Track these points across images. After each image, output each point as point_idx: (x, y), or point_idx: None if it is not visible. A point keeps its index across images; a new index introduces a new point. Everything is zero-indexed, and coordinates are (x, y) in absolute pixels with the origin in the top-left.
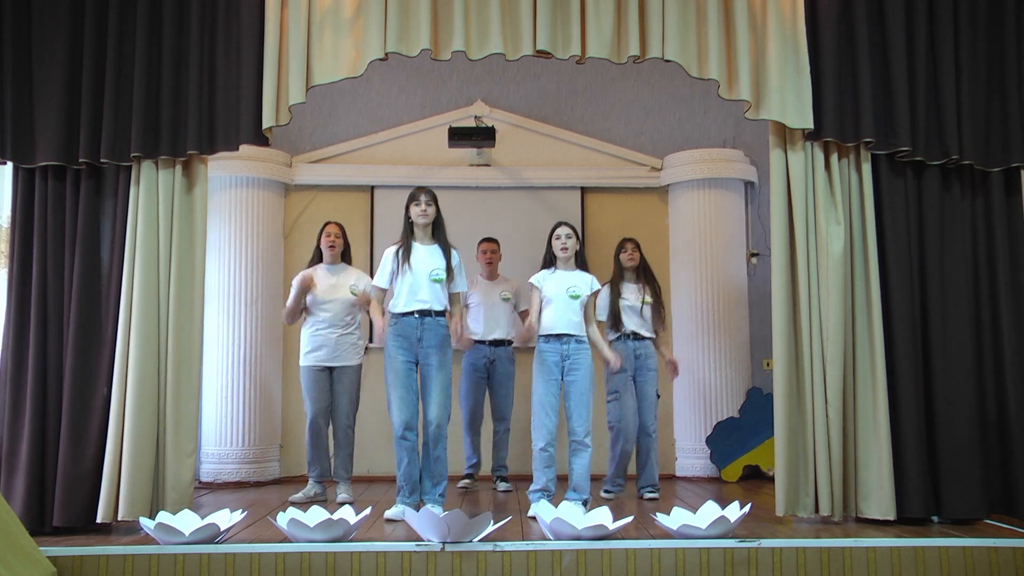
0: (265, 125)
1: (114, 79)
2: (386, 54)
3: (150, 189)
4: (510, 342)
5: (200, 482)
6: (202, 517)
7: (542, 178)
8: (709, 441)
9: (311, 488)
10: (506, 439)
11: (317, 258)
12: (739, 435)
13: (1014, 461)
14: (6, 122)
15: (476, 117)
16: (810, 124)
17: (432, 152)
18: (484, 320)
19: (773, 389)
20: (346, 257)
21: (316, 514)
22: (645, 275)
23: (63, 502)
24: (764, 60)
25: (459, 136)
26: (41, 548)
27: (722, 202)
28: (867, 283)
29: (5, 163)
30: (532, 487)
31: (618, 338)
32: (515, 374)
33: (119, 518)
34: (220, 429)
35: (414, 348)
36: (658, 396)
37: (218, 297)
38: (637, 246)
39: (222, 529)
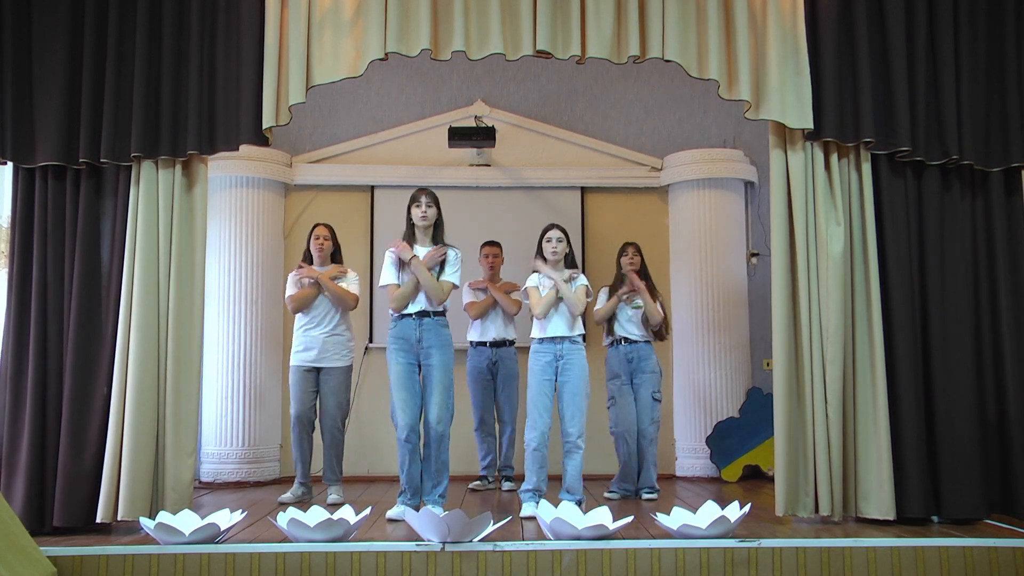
0: (265, 125)
1: (114, 79)
2: (386, 54)
3: (150, 189)
4: (512, 343)
5: (200, 482)
6: (202, 517)
7: (542, 178)
8: (709, 441)
9: (297, 488)
10: (512, 440)
11: (307, 260)
12: (739, 435)
13: (1014, 461)
14: (6, 122)
15: (476, 117)
16: (810, 124)
17: (432, 152)
18: (485, 322)
19: (773, 389)
20: (336, 258)
21: (316, 514)
22: (644, 279)
23: (63, 502)
24: (764, 60)
25: (459, 136)
26: (41, 548)
27: (722, 202)
28: (867, 283)
29: (5, 163)
30: (524, 487)
31: (611, 344)
32: (519, 374)
33: (119, 518)
34: (220, 429)
35: (414, 349)
36: (655, 399)
37: (218, 297)
38: (638, 250)
39: (222, 529)
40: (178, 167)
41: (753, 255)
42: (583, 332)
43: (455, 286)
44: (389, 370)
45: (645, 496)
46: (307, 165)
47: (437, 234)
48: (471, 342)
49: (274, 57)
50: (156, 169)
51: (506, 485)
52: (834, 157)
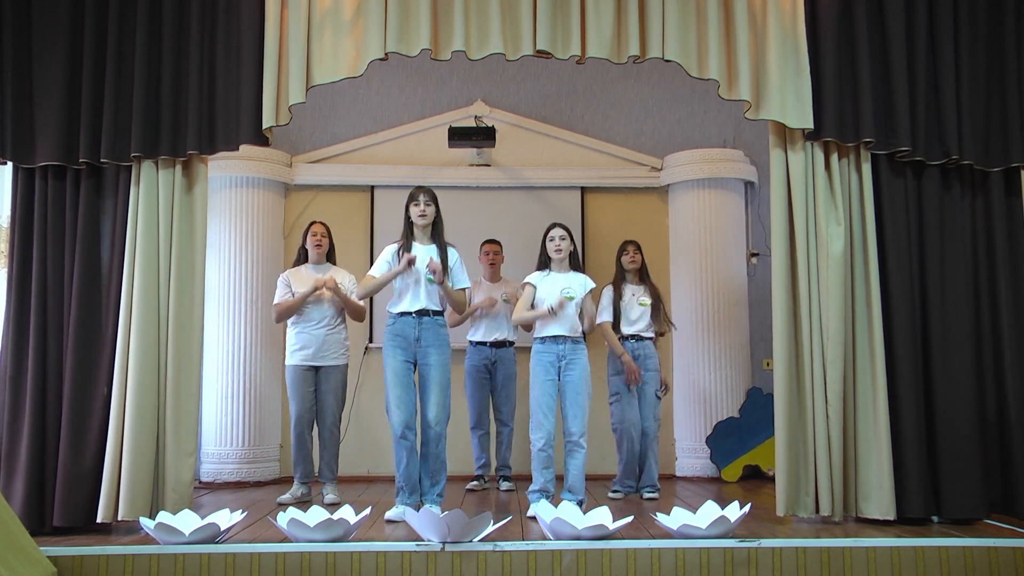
0: (265, 125)
1: (114, 79)
2: (386, 54)
3: (150, 189)
4: (512, 343)
5: (200, 482)
6: (202, 517)
7: (542, 178)
8: (709, 441)
9: (297, 488)
10: (509, 440)
11: (303, 258)
12: (739, 435)
13: (1014, 461)
14: (6, 122)
15: (476, 117)
16: (810, 124)
17: (432, 152)
18: (486, 322)
19: (773, 389)
20: (331, 257)
21: (316, 514)
22: (646, 278)
23: (63, 502)
24: (764, 60)
25: (459, 136)
26: (41, 548)
27: (722, 202)
28: (867, 283)
29: (5, 163)
30: (531, 487)
31: (619, 340)
32: (517, 375)
33: (119, 518)
34: (220, 429)
35: (412, 347)
36: (659, 397)
37: (218, 297)
38: (638, 248)
39: (222, 529)
40: (178, 167)
41: (753, 255)
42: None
43: (468, 288)
44: (385, 367)
45: (647, 495)
46: (307, 165)
47: (436, 232)
48: (471, 341)
49: (274, 57)
50: (156, 169)
51: (504, 485)
52: (834, 157)
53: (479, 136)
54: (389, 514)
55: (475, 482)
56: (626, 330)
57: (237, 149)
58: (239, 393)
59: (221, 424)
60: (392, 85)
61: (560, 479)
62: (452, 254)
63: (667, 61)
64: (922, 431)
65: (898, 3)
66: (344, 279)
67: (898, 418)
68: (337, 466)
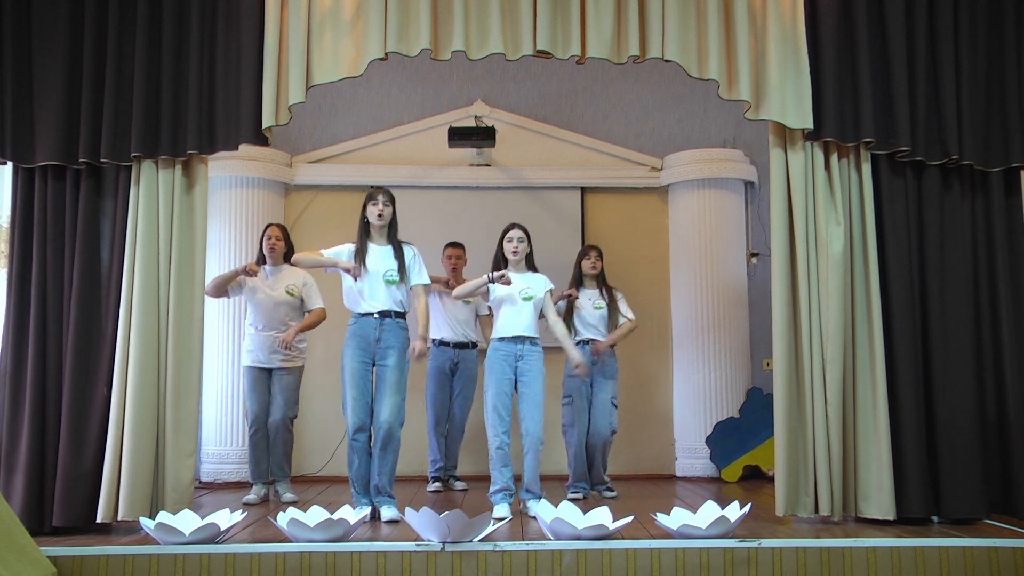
0: (265, 125)
1: (114, 79)
2: (386, 54)
3: (150, 189)
4: (475, 344)
5: (200, 482)
6: (202, 517)
7: (542, 178)
8: (709, 441)
9: (260, 489)
10: (460, 440)
11: (261, 260)
12: (739, 435)
13: (1014, 461)
14: (6, 122)
15: (476, 117)
16: (810, 124)
17: (432, 152)
18: (448, 323)
19: (773, 389)
20: (288, 258)
21: (316, 514)
22: (602, 283)
23: (63, 502)
24: (764, 60)
25: (459, 136)
26: (41, 548)
27: (722, 202)
28: (867, 283)
29: (5, 163)
30: (492, 488)
31: (576, 343)
32: (477, 378)
33: (119, 518)
34: (220, 429)
35: (371, 348)
36: (614, 404)
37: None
38: (600, 255)
39: (222, 529)
40: (178, 167)
41: (753, 255)
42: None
43: (427, 284)
44: (343, 367)
45: (606, 495)
46: (307, 165)
47: (391, 233)
48: (434, 340)
49: (274, 57)
50: (156, 169)
51: (458, 484)
52: (834, 157)
53: (479, 136)
54: (385, 515)
55: (436, 483)
56: (583, 334)
57: (237, 149)
58: (239, 393)
59: (221, 424)
60: (392, 85)
61: (518, 478)
62: (407, 252)
63: (667, 61)
64: (922, 431)
65: (898, 3)
66: (302, 279)
67: (898, 418)
68: (289, 466)
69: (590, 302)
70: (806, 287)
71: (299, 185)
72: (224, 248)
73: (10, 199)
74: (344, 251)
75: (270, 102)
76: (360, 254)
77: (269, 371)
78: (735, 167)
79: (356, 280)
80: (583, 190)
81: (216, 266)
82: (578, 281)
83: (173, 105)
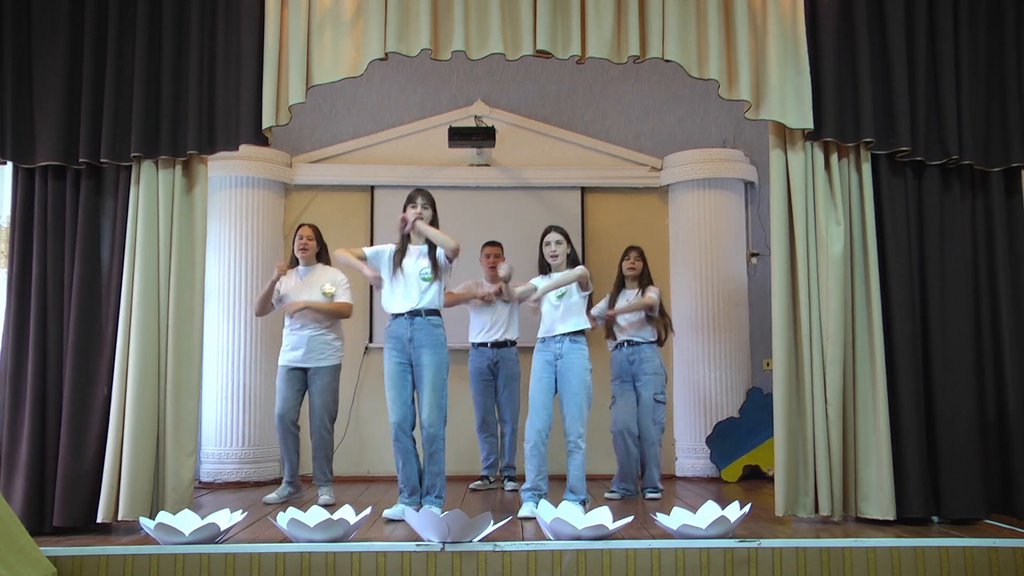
0: (265, 125)
1: (114, 79)
2: (386, 54)
3: (150, 189)
4: (514, 343)
5: (200, 482)
6: (202, 517)
7: (542, 178)
8: (709, 441)
9: (284, 488)
10: (513, 440)
11: (294, 261)
12: (739, 435)
13: (1014, 461)
14: (6, 122)
15: (476, 117)
16: (810, 124)
17: (432, 152)
18: (487, 322)
19: (773, 389)
20: (322, 258)
21: (316, 514)
22: (646, 283)
23: (63, 502)
24: (764, 60)
25: (459, 136)
26: (41, 548)
27: (722, 202)
28: (867, 283)
29: (5, 163)
30: (524, 486)
31: (615, 346)
32: (520, 375)
33: (119, 518)
34: (220, 429)
35: (406, 348)
36: (658, 401)
37: (218, 297)
38: (640, 255)
39: (222, 529)
40: (178, 167)
41: (753, 255)
42: (584, 328)
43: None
44: (384, 369)
45: (649, 495)
46: (307, 165)
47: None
48: (472, 343)
49: (274, 57)
50: (156, 169)
51: (509, 485)
52: (834, 157)
53: (479, 136)
54: (388, 513)
55: (479, 481)
56: (619, 335)
57: (237, 149)
58: (239, 393)
59: (221, 424)
60: (392, 85)
61: (558, 479)
62: (439, 249)
63: (667, 61)
64: (922, 431)
65: (898, 3)
66: (335, 278)
67: (898, 418)
68: (331, 469)
69: (628, 304)
70: (806, 287)
71: (299, 185)
72: (224, 248)
73: (10, 199)
74: (385, 251)
75: (270, 102)
76: (399, 256)
77: (304, 371)
78: (735, 167)
79: (379, 287)
80: (583, 190)
81: (216, 266)
82: (620, 283)
83: (173, 105)
